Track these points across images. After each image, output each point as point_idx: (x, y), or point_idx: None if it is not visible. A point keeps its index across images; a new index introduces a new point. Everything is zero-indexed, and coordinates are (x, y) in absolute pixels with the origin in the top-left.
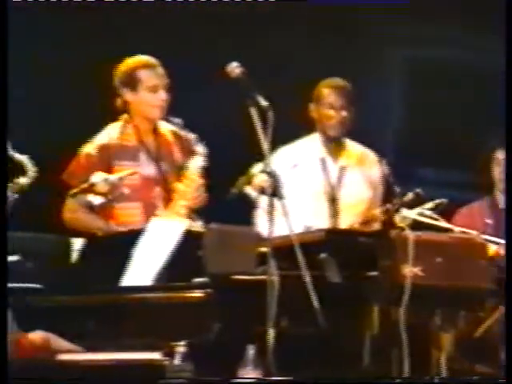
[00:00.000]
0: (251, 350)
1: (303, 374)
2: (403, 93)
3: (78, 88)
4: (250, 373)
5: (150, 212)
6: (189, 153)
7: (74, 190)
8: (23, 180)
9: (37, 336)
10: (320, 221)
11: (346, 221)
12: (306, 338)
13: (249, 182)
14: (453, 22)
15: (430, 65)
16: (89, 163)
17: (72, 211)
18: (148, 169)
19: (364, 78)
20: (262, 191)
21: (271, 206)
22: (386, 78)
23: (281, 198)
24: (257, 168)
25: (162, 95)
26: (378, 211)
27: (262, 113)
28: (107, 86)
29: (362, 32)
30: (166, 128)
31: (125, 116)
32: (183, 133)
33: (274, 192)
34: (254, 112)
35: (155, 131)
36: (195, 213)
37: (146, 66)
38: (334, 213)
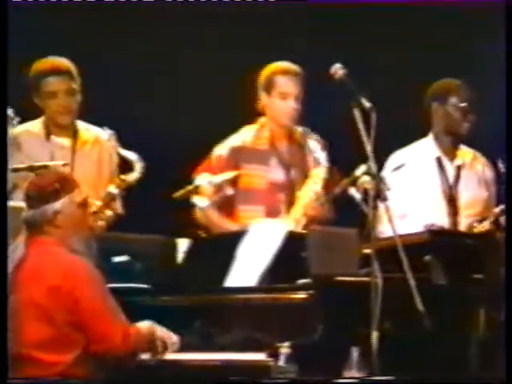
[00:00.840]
0: (355, 352)
1: (408, 376)
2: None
3: (218, 90)
4: (354, 375)
5: (271, 216)
6: (316, 162)
7: (180, 192)
8: (130, 177)
9: (144, 325)
10: (440, 220)
11: (464, 220)
12: (410, 340)
13: (353, 184)
14: None
15: None
16: (218, 165)
17: (202, 210)
18: (277, 174)
19: (466, 77)
20: (366, 193)
21: (375, 207)
22: (488, 77)
23: (384, 199)
24: (360, 169)
25: (291, 104)
26: (494, 212)
27: (366, 114)
28: (247, 89)
29: (465, 31)
30: (301, 135)
31: (262, 119)
32: (313, 141)
33: (378, 194)
34: (357, 113)
35: (290, 137)
36: (315, 221)
37: (286, 72)
38: (453, 212)
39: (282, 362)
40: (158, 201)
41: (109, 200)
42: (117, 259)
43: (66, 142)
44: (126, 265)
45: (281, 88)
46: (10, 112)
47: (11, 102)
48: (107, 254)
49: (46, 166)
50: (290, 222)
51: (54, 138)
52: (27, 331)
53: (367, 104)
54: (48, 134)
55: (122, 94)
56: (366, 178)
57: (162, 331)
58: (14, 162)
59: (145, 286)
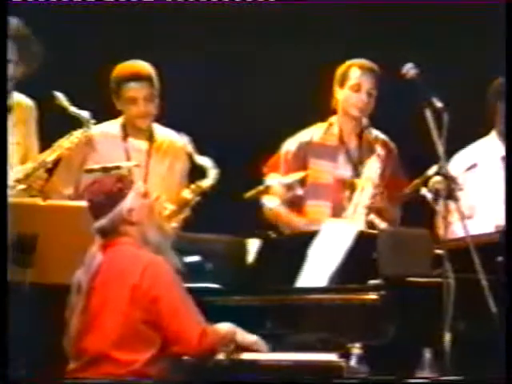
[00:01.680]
0: (427, 354)
1: (480, 378)
2: None
3: (291, 88)
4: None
5: (337, 212)
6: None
7: (251, 192)
8: (205, 183)
9: (224, 326)
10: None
11: None
12: (483, 341)
13: (424, 184)
14: None
15: None
16: (287, 159)
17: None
18: (344, 171)
19: None
20: (437, 193)
21: (446, 208)
22: None
23: (456, 200)
24: (432, 170)
25: (363, 96)
26: None
27: (438, 114)
28: (321, 87)
29: None
30: (373, 134)
31: (333, 117)
32: (389, 142)
33: (450, 194)
34: (429, 114)
35: (360, 136)
36: (374, 213)
37: (361, 67)
38: None
39: (353, 363)
40: (228, 200)
41: (183, 205)
42: (188, 259)
43: (142, 144)
44: (198, 265)
45: (354, 80)
46: (86, 114)
47: (86, 103)
48: (178, 254)
49: (118, 167)
50: (352, 218)
51: (131, 141)
52: (107, 331)
53: (439, 104)
54: (125, 136)
55: (195, 94)
56: (438, 178)
57: (242, 335)
58: (89, 162)
59: (216, 285)
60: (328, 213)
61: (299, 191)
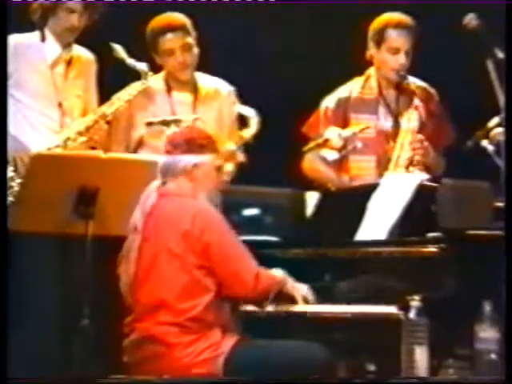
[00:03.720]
0: (487, 307)
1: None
2: None
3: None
4: (486, 330)
5: (383, 165)
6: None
7: (309, 146)
8: (247, 133)
9: (277, 273)
10: None
11: None
12: None
13: (486, 136)
14: None
15: None
16: (327, 116)
17: (311, 162)
18: (386, 123)
19: None
20: (499, 145)
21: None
22: None
23: None
24: (493, 121)
25: (401, 59)
26: None
27: (499, 65)
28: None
29: None
30: (413, 83)
31: (369, 70)
32: (429, 88)
33: None
34: (490, 64)
35: (399, 87)
36: (418, 165)
37: (397, 25)
38: None
39: (412, 316)
40: (288, 154)
41: (228, 156)
42: (247, 212)
43: (186, 97)
44: (257, 218)
45: (391, 43)
46: (143, 66)
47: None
48: (238, 207)
49: (178, 120)
50: (397, 169)
51: (175, 94)
52: (162, 278)
53: (501, 55)
54: (169, 90)
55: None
56: (500, 130)
57: (292, 285)
58: (136, 119)
59: (275, 238)
60: (373, 166)
61: (358, 144)
